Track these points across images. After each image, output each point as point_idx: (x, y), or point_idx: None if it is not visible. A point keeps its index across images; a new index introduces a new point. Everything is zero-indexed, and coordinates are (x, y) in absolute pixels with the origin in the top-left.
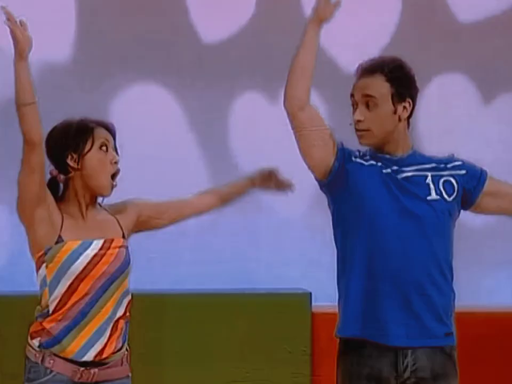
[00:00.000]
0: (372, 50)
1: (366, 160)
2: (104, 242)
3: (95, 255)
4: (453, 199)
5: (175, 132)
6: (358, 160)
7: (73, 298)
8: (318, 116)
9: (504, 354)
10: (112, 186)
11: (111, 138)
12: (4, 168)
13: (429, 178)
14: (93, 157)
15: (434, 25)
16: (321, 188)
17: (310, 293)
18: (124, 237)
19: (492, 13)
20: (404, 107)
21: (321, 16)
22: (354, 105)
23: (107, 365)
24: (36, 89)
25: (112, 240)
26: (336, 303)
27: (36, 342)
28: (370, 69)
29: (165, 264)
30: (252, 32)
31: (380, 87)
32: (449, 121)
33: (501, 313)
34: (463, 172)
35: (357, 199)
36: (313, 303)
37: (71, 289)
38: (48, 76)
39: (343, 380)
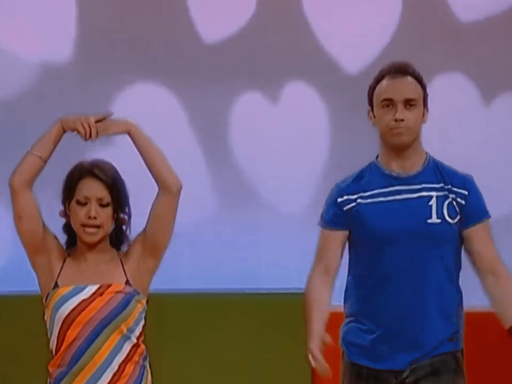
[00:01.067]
0: (372, 50)
1: (363, 194)
2: (99, 287)
3: (83, 301)
4: (456, 222)
5: (175, 131)
6: (350, 205)
7: (64, 344)
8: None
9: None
10: (92, 235)
11: (99, 192)
12: (4, 168)
13: (433, 199)
14: (72, 210)
15: (435, 25)
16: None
17: None
18: (128, 282)
19: (492, 12)
20: (426, 111)
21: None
22: (390, 106)
23: None
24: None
25: (110, 285)
26: (336, 303)
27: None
28: (404, 71)
29: (164, 264)
30: (252, 32)
31: (416, 88)
32: (449, 121)
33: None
34: (464, 202)
35: (361, 235)
36: None
37: (61, 335)
38: (48, 76)
39: (343, 381)
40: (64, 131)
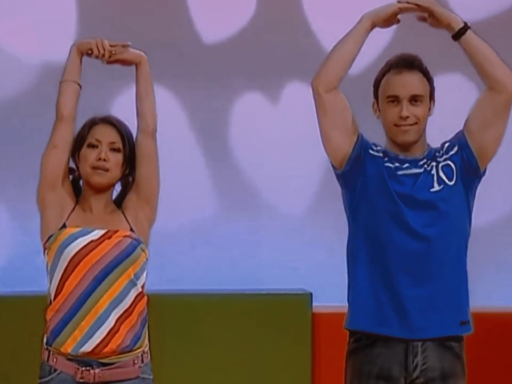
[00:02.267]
0: (372, 50)
1: (381, 155)
2: (107, 232)
3: (92, 241)
4: (455, 182)
5: (175, 131)
6: (375, 153)
7: (68, 286)
8: (343, 103)
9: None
10: (101, 176)
11: (110, 137)
12: (4, 168)
13: (434, 170)
14: (83, 154)
15: None
16: (337, 178)
17: (311, 293)
18: (132, 230)
19: (492, 12)
20: (432, 106)
21: (377, 21)
22: (395, 102)
23: (113, 365)
24: (38, 90)
25: (117, 231)
26: (337, 304)
27: (45, 339)
28: (411, 66)
29: (165, 264)
30: (252, 32)
31: (423, 84)
32: (449, 121)
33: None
34: (455, 149)
35: (369, 192)
36: (314, 303)
37: (66, 275)
38: (48, 76)
39: (352, 379)
40: (82, 54)
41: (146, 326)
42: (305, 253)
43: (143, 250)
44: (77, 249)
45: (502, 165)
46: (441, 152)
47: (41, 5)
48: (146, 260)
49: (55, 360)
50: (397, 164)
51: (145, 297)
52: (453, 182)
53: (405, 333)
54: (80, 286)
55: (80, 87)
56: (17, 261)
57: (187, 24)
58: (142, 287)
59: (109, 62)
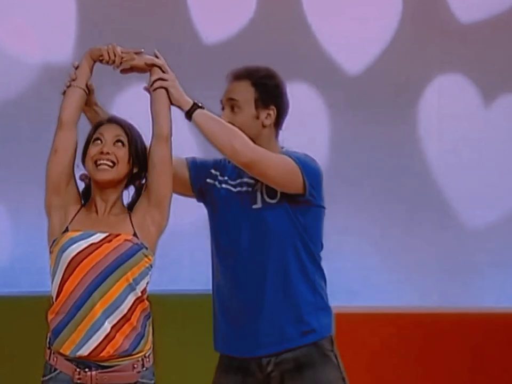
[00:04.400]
0: (372, 50)
1: (219, 178)
2: (108, 235)
3: (91, 244)
4: (277, 201)
5: (175, 132)
6: (211, 181)
7: (67, 288)
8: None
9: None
10: (104, 171)
11: (115, 133)
12: (4, 168)
13: (258, 185)
14: (87, 152)
15: (435, 25)
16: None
17: None
18: (135, 235)
19: (492, 12)
20: (268, 114)
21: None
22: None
23: (111, 369)
24: (38, 90)
25: (118, 234)
26: (335, 304)
27: (48, 339)
28: (239, 75)
29: (165, 265)
30: (252, 33)
31: (245, 91)
32: (449, 121)
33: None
34: None
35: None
36: None
37: (65, 278)
38: (48, 76)
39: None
40: (94, 61)
41: (149, 330)
42: None
43: (145, 255)
44: (76, 252)
45: (502, 164)
46: None
47: (41, 5)
48: (150, 266)
49: (55, 359)
50: (234, 181)
51: (146, 302)
52: (274, 201)
53: (245, 353)
54: (78, 288)
55: (87, 94)
56: (17, 262)
57: (187, 24)
58: (142, 292)
59: (122, 71)
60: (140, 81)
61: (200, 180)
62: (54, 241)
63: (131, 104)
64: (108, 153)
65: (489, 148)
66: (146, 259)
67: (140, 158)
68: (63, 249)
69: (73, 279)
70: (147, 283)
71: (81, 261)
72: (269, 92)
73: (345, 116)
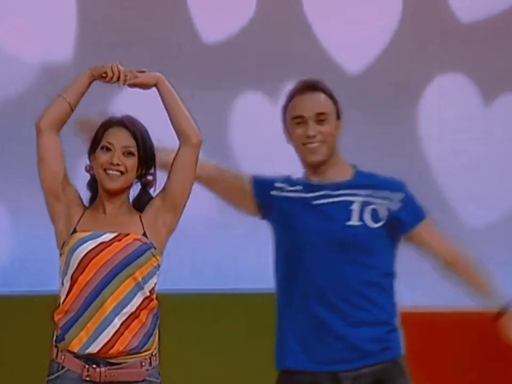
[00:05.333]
0: (372, 50)
1: (287, 188)
2: (118, 235)
3: (101, 243)
4: (379, 227)
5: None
6: (277, 193)
7: (77, 287)
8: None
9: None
10: (113, 180)
11: (125, 141)
12: (4, 167)
13: (356, 204)
14: (97, 156)
15: (435, 25)
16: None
17: None
18: (145, 234)
19: (492, 12)
20: (340, 125)
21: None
22: (301, 123)
23: (120, 365)
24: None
25: (128, 234)
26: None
27: (54, 337)
28: (314, 87)
29: (165, 264)
30: (252, 32)
31: (327, 103)
32: (449, 121)
33: None
34: (400, 205)
35: (282, 231)
36: None
37: (75, 277)
38: (48, 76)
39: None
40: (94, 78)
41: (157, 329)
42: None
43: (154, 255)
44: (87, 250)
45: (502, 164)
46: (387, 193)
47: (41, 5)
48: (158, 265)
49: (63, 357)
50: (310, 194)
51: (155, 301)
52: (377, 226)
53: (322, 367)
54: (88, 286)
55: (72, 110)
56: (17, 262)
57: (187, 24)
58: (151, 291)
59: (129, 85)
60: None
61: (264, 194)
62: (63, 243)
63: (131, 104)
64: (117, 164)
65: (489, 147)
66: (154, 259)
67: (148, 159)
68: (73, 249)
69: (83, 278)
70: (155, 283)
71: (92, 260)
72: (338, 105)
73: (345, 116)
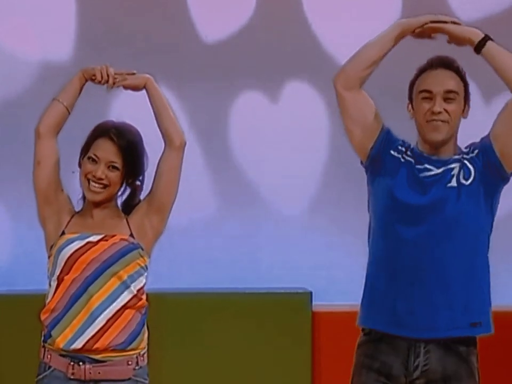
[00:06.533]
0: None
1: (404, 154)
2: (104, 236)
3: (87, 243)
4: (471, 182)
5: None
6: (396, 154)
7: (63, 286)
8: (364, 102)
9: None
10: (95, 193)
11: (112, 156)
12: (4, 167)
13: (455, 170)
14: (82, 165)
15: None
16: (365, 171)
17: (311, 292)
18: (132, 235)
19: (492, 11)
20: (467, 109)
21: (406, 30)
22: (428, 98)
23: (105, 363)
24: (38, 89)
25: (114, 235)
26: (337, 303)
27: (42, 337)
28: (449, 64)
29: (164, 264)
30: (252, 32)
31: (459, 85)
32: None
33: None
34: (476, 152)
35: (382, 191)
36: (314, 303)
37: (62, 275)
38: (48, 76)
39: (354, 369)
40: (86, 80)
41: (145, 329)
42: (305, 253)
43: (141, 255)
44: (73, 250)
45: None
46: (468, 153)
47: (41, 4)
48: (145, 266)
49: (49, 356)
50: (419, 165)
51: (144, 301)
52: (468, 182)
53: (408, 332)
54: (74, 285)
55: (69, 112)
56: (17, 261)
57: (187, 24)
58: (139, 291)
59: (124, 86)
60: None
61: (384, 147)
62: (51, 246)
63: (131, 104)
64: (100, 178)
65: None
66: (141, 258)
67: (135, 171)
68: (61, 249)
69: (69, 276)
70: (144, 283)
71: (78, 259)
72: (468, 89)
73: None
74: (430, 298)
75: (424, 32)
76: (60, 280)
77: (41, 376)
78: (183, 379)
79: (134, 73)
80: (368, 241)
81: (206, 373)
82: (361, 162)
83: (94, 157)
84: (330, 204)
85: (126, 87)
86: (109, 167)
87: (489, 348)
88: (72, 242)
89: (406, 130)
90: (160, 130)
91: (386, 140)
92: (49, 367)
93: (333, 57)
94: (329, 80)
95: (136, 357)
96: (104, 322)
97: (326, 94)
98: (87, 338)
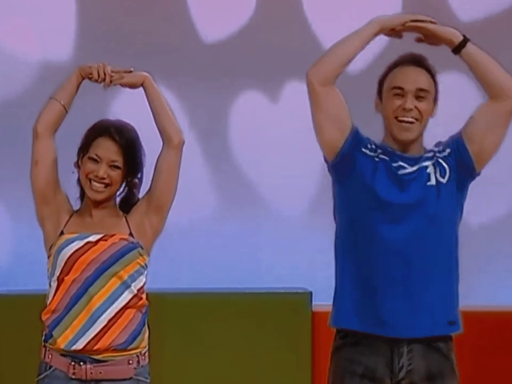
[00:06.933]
0: (372, 49)
1: (376, 153)
2: (104, 236)
3: (87, 243)
4: (447, 180)
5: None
6: (368, 152)
7: (63, 286)
8: (338, 99)
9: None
10: (98, 192)
11: (114, 155)
12: (4, 167)
13: (430, 168)
14: (83, 164)
15: None
16: (328, 169)
17: (311, 292)
18: (131, 234)
19: (492, 11)
20: (435, 109)
21: (385, 28)
22: (399, 95)
23: (106, 363)
24: (38, 89)
25: (114, 234)
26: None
27: (43, 337)
28: (422, 63)
29: (164, 263)
30: (252, 32)
31: (431, 85)
32: (449, 121)
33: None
34: (448, 151)
35: (362, 189)
36: (313, 302)
37: (62, 277)
38: (48, 76)
39: (335, 376)
40: (83, 78)
41: (145, 329)
42: (305, 252)
43: (141, 254)
44: (73, 250)
45: (502, 164)
46: (440, 152)
47: (41, 4)
48: (145, 265)
49: (50, 356)
50: (394, 163)
51: (144, 300)
52: (445, 180)
53: (390, 331)
54: (74, 285)
55: (66, 111)
56: (17, 261)
57: (187, 24)
58: (139, 290)
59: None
60: None
61: (355, 145)
62: (50, 246)
63: (131, 104)
64: (103, 178)
65: None
66: (141, 257)
67: (135, 169)
68: (60, 250)
69: (70, 277)
70: (144, 282)
71: (78, 259)
72: (437, 88)
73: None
74: (413, 297)
75: (400, 31)
76: (60, 281)
77: (42, 376)
78: (183, 379)
79: (131, 71)
80: (337, 242)
81: (206, 373)
82: (325, 160)
83: (95, 156)
84: (330, 204)
85: (123, 85)
86: (110, 166)
87: (489, 347)
88: (71, 242)
89: None
90: (158, 129)
91: (357, 138)
92: (50, 366)
93: None
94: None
95: (137, 356)
96: (105, 322)
97: None
98: (89, 339)
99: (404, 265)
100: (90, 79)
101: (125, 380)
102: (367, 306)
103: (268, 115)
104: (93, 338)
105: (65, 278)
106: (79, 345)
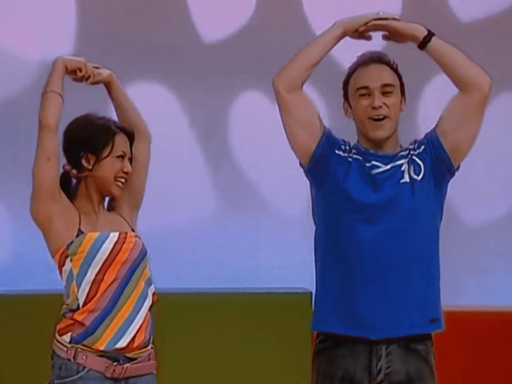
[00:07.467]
0: (372, 49)
1: (350, 153)
2: (120, 234)
3: (116, 243)
4: (422, 177)
5: (175, 131)
6: (342, 153)
7: (102, 287)
8: (306, 103)
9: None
10: (121, 188)
11: (128, 148)
12: (4, 167)
13: (405, 166)
14: (109, 163)
15: (434, 25)
16: (304, 173)
17: (311, 292)
18: (132, 230)
19: (492, 11)
20: (404, 100)
21: (348, 30)
22: (366, 94)
23: (137, 360)
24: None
25: (126, 233)
26: None
27: (66, 338)
28: (381, 59)
29: (164, 263)
30: (252, 31)
31: (393, 77)
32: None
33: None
34: (422, 147)
35: (336, 191)
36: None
37: (99, 278)
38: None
39: (316, 381)
40: (68, 70)
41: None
42: (305, 253)
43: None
44: (107, 253)
45: (501, 164)
46: (415, 149)
47: (41, 4)
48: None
49: (84, 357)
50: (367, 163)
51: (155, 296)
52: (420, 177)
53: (369, 333)
54: (113, 285)
55: (63, 99)
56: (17, 261)
57: (187, 24)
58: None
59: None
60: (140, 81)
61: (328, 147)
62: (70, 244)
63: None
64: (127, 172)
65: (488, 147)
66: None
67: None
68: (95, 250)
69: (108, 276)
70: None
71: (113, 260)
72: (402, 80)
73: (346, 116)
74: (391, 296)
75: (364, 32)
76: (97, 282)
77: (75, 377)
78: (183, 379)
79: (98, 67)
80: (316, 244)
81: (206, 373)
82: (301, 165)
83: (122, 153)
84: None
85: (97, 82)
86: (129, 159)
87: (490, 348)
88: (103, 243)
89: (405, 131)
90: (129, 124)
91: (329, 140)
92: (84, 367)
93: (333, 58)
94: (329, 79)
95: (152, 351)
96: (141, 321)
97: (325, 95)
98: (129, 338)
99: (381, 265)
100: (73, 73)
101: (148, 374)
102: (346, 308)
103: (268, 115)
104: (133, 337)
105: (104, 279)
106: (121, 344)
